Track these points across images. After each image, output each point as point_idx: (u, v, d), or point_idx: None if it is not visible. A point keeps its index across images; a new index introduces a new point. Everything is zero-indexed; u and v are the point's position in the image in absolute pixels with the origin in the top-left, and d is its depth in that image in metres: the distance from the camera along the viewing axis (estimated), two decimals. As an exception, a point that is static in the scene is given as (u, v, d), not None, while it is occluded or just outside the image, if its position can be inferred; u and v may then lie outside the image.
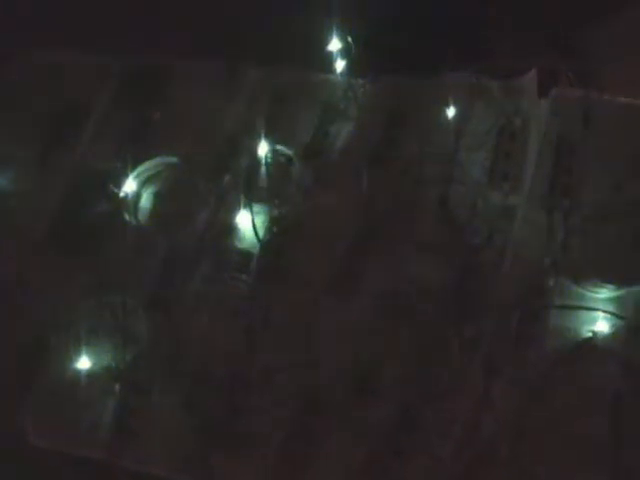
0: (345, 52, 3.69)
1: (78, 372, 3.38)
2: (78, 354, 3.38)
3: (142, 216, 3.68)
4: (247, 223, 3.53)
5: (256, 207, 3.55)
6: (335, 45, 3.67)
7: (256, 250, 3.51)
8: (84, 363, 3.38)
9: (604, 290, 3.24)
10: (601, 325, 3.21)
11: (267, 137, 3.62)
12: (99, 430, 3.32)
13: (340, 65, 3.71)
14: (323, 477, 3.17)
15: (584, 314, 3.23)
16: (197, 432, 3.24)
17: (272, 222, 3.53)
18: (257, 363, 3.31)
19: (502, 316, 3.24)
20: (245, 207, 3.55)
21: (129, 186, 3.68)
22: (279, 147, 3.64)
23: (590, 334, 3.21)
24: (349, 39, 3.66)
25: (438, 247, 3.37)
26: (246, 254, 3.51)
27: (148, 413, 3.31)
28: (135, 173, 3.70)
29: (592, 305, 3.23)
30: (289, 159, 3.63)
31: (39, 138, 3.94)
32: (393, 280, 3.35)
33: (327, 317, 3.34)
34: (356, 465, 3.16)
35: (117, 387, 3.35)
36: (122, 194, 3.67)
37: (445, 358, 3.22)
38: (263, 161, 3.61)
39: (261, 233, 3.52)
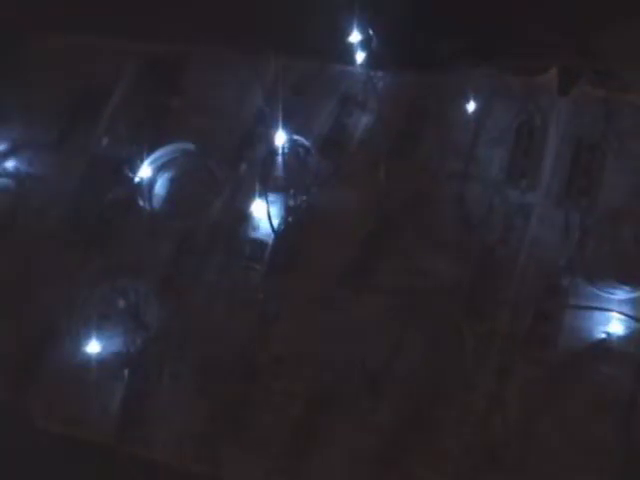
0: (366, 44, 3.63)
1: (88, 355, 3.34)
2: (88, 338, 3.34)
3: (157, 202, 3.63)
4: (262, 212, 3.46)
5: (272, 197, 3.50)
6: (356, 37, 3.60)
7: (270, 240, 3.45)
8: (94, 347, 3.34)
9: (619, 291, 3.18)
10: (615, 326, 3.15)
11: (285, 127, 3.55)
12: (107, 414, 3.28)
13: (360, 57, 3.65)
14: (329, 473, 3.11)
15: (598, 315, 3.17)
16: (206, 420, 3.21)
17: (287, 212, 3.48)
18: (268, 354, 3.27)
19: (516, 315, 3.19)
20: (260, 196, 3.49)
21: (144, 172, 3.63)
22: (297, 137, 3.58)
23: (604, 335, 3.15)
24: (370, 31, 3.60)
25: (454, 244, 3.31)
26: (260, 244, 3.45)
27: (157, 399, 3.28)
28: (151, 159, 3.65)
29: (607, 306, 3.17)
30: (306, 149, 3.57)
31: (56, 122, 3.89)
32: (408, 276, 3.29)
33: (340, 311, 3.28)
34: (363, 463, 3.10)
35: (126, 372, 3.31)
36: (137, 179, 3.62)
37: (458, 356, 3.16)
38: (280, 151, 3.56)
39: (276, 223, 3.46)
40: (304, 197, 3.48)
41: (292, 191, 3.49)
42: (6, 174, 3.83)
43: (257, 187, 3.48)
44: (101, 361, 3.32)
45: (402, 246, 3.33)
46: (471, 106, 3.54)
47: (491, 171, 3.42)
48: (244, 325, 3.31)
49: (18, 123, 3.92)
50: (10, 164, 3.85)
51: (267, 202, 3.45)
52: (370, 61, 3.65)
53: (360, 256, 3.34)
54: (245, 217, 3.48)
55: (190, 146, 3.65)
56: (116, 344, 3.35)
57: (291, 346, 3.26)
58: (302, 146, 3.57)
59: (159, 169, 3.65)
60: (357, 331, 3.23)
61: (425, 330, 3.19)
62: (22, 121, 3.92)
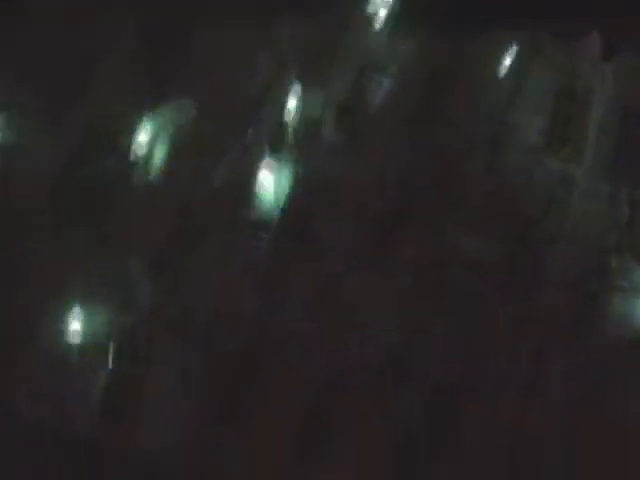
0: (388, 3, 3.24)
1: (72, 338, 2.86)
2: (73, 319, 2.86)
3: (154, 171, 3.19)
4: (270, 181, 3.06)
5: (280, 164, 3.08)
6: (380, -4, 3.23)
7: (278, 211, 3.03)
8: (78, 328, 2.86)
9: (673, 274, 2.76)
10: (668, 312, 2.72)
11: (298, 90, 3.17)
12: (91, 402, 2.77)
13: (383, 17, 3.26)
14: (340, 468, 2.60)
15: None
16: (199, 409, 2.70)
17: (298, 181, 3.06)
18: (271, 336, 2.80)
19: (557, 296, 2.77)
20: (268, 164, 3.07)
21: (143, 137, 3.21)
22: (310, 101, 3.18)
23: (656, 322, 2.71)
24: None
25: (489, 217, 2.92)
26: (267, 215, 3.03)
27: (145, 386, 2.77)
28: (150, 125, 3.23)
29: (659, 290, 2.76)
30: (321, 114, 3.17)
31: (51, 88, 3.41)
32: (435, 251, 2.88)
33: (356, 288, 2.84)
34: (378, 458, 2.60)
35: (113, 355, 2.82)
36: (135, 146, 3.20)
37: (490, 341, 2.71)
38: (291, 115, 3.16)
39: (285, 192, 3.05)
40: (317, 165, 3.09)
41: (304, 159, 3.09)
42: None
43: (265, 153, 3.09)
44: (87, 341, 2.85)
45: (429, 219, 2.95)
46: (506, 68, 3.16)
47: (529, 139, 3.05)
48: (247, 302, 2.85)
49: (7, 87, 3.43)
50: (-7, 135, 3.46)
51: (275, 170, 3.05)
52: (393, 21, 3.27)
53: (380, 228, 2.95)
54: (251, 185, 3.07)
55: (193, 111, 3.24)
56: (102, 325, 2.86)
57: (299, 326, 2.80)
58: (316, 111, 3.17)
59: (159, 134, 3.23)
60: (375, 311, 2.79)
61: (454, 311, 2.78)
62: (12, 85, 3.44)
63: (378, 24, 3.26)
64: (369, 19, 3.26)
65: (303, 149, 3.12)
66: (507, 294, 2.75)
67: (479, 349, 2.69)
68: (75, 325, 2.86)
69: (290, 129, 3.17)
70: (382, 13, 3.25)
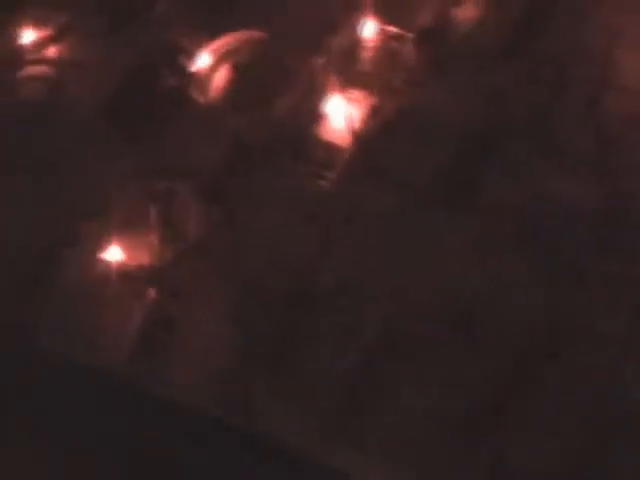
0: None
1: (107, 267, 2.61)
2: (110, 246, 2.63)
3: (214, 94, 2.97)
4: (340, 112, 2.86)
5: (353, 94, 2.87)
6: None
7: (347, 144, 2.78)
8: (115, 256, 2.62)
9: None
10: None
11: (377, 13, 2.96)
12: (124, 338, 2.52)
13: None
14: (390, 438, 2.29)
15: None
16: (241, 355, 2.44)
17: (371, 113, 2.82)
18: (327, 280, 2.53)
19: None
20: (339, 93, 2.86)
21: (203, 60, 3.01)
22: (390, 27, 2.96)
23: None
24: None
25: (583, 161, 2.64)
26: (334, 148, 2.78)
27: (185, 325, 2.51)
28: (212, 46, 3.03)
29: None
30: (401, 41, 2.95)
31: (109, 7, 3.24)
32: (520, 196, 2.59)
33: (428, 234, 2.57)
34: (440, 430, 2.29)
35: (152, 290, 2.57)
36: (194, 69, 3.00)
37: (577, 299, 2.41)
38: (368, 41, 2.95)
39: (356, 125, 2.81)
40: (392, 96, 2.86)
41: (378, 88, 2.87)
42: (46, 61, 3.24)
43: (336, 83, 2.88)
44: (122, 274, 2.60)
45: (515, 159, 2.68)
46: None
47: (632, 80, 2.78)
48: (304, 243, 2.61)
49: (68, 8, 3.28)
50: (52, 51, 3.26)
51: (346, 100, 2.86)
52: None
53: (459, 168, 2.68)
54: (319, 117, 2.86)
55: (260, 33, 3.06)
56: (142, 256, 2.63)
57: (360, 273, 2.53)
58: (396, 37, 2.97)
59: (221, 58, 3.03)
60: (448, 260, 2.53)
61: (537, 263, 2.47)
62: (72, 6, 3.28)
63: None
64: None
65: (379, 78, 2.87)
66: (598, 249, 2.45)
67: (564, 307, 2.38)
68: (115, 253, 2.61)
69: (365, 56, 2.94)
70: None
